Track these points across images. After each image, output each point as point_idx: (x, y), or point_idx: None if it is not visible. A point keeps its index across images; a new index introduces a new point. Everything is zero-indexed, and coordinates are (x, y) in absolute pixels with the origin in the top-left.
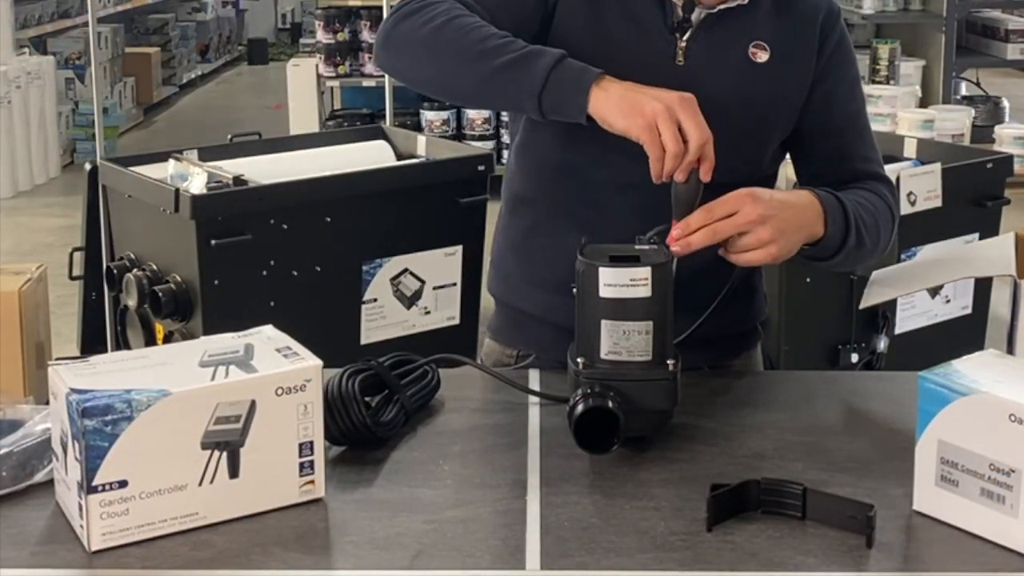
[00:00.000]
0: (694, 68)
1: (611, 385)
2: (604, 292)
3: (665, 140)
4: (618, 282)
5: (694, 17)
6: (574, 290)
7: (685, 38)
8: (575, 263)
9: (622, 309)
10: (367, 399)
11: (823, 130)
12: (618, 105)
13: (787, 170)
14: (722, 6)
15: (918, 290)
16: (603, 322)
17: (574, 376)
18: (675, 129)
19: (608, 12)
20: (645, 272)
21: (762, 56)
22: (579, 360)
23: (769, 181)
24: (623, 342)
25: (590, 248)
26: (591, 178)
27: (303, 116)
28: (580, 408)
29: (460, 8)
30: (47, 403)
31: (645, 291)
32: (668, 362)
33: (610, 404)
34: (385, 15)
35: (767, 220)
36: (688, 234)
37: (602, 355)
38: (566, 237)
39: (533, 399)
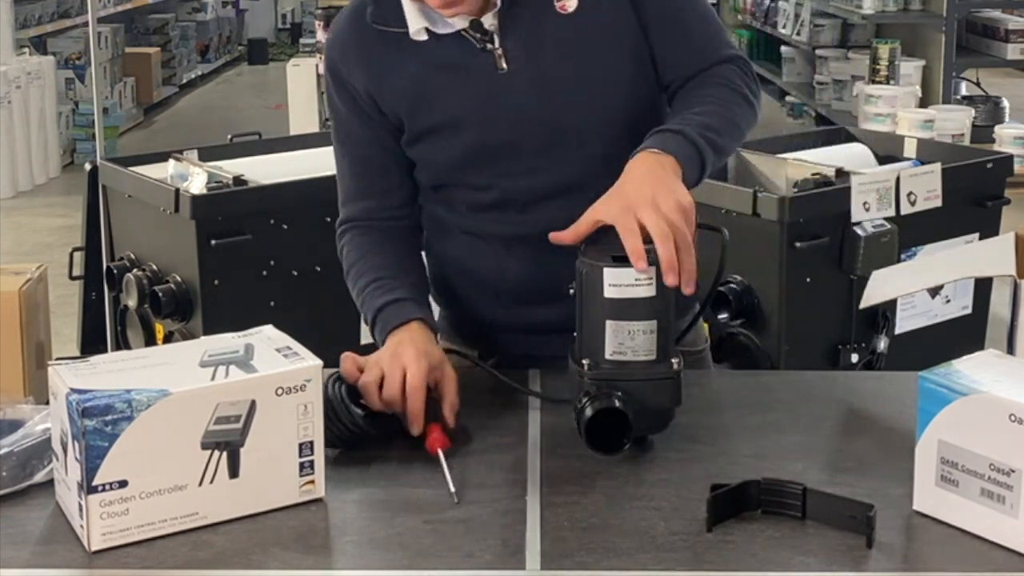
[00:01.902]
0: (518, 65)
1: (617, 385)
2: (609, 292)
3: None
4: (623, 282)
5: (488, 23)
6: (571, 291)
7: (496, 45)
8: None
9: (627, 309)
10: (361, 401)
11: (657, 38)
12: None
13: (787, 170)
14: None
15: (918, 290)
16: (608, 322)
17: (578, 378)
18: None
19: (415, 78)
20: (649, 271)
21: (571, 4)
22: (584, 361)
23: (653, 101)
24: (628, 342)
25: (590, 249)
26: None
27: (303, 116)
28: (589, 410)
29: (354, 245)
30: (47, 403)
31: (649, 290)
32: (672, 360)
33: (618, 404)
34: None
35: (656, 203)
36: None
37: (607, 355)
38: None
39: (533, 399)
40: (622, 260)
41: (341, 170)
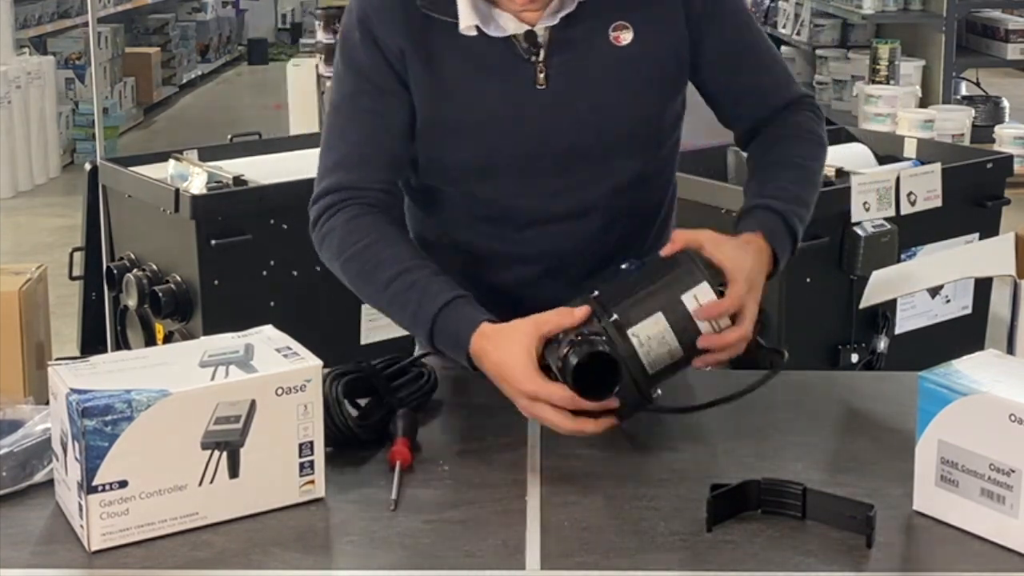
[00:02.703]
0: (558, 84)
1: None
2: (686, 298)
3: (551, 425)
4: (701, 301)
5: (540, 36)
6: (625, 267)
7: (541, 59)
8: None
9: (681, 323)
10: (359, 400)
11: (723, 76)
12: (496, 382)
13: None
14: (562, 13)
15: (918, 290)
16: (658, 315)
17: (594, 317)
18: (551, 415)
19: (450, 69)
20: (727, 322)
21: (626, 37)
22: (612, 312)
23: (675, 130)
24: (652, 341)
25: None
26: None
27: (303, 116)
28: (572, 368)
29: (350, 227)
30: (47, 403)
31: (705, 331)
32: (654, 393)
33: (600, 348)
34: None
35: (755, 298)
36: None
37: (629, 330)
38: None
39: None
40: (720, 288)
41: (338, 132)
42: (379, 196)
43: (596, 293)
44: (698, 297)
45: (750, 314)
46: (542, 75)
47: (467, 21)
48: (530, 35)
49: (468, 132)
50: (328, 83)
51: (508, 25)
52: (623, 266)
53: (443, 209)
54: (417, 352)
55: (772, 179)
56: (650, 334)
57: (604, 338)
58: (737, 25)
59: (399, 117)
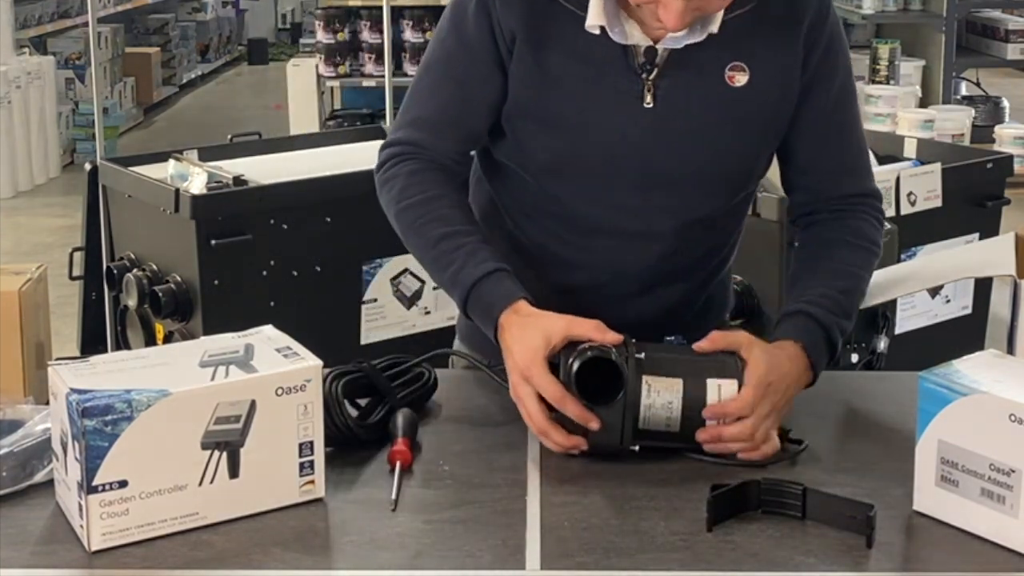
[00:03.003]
0: (664, 108)
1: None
2: (710, 390)
3: (524, 415)
4: (720, 397)
5: (659, 54)
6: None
7: (651, 77)
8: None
9: (694, 402)
10: (358, 400)
11: (806, 142)
12: (504, 355)
13: None
14: (687, 41)
15: (918, 290)
16: (681, 379)
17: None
18: (529, 401)
19: (559, 60)
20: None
21: (740, 79)
22: (639, 350)
23: (760, 177)
24: (660, 397)
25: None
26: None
27: (303, 116)
28: (576, 364)
29: (415, 179)
30: (47, 403)
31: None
32: (633, 446)
33: (612, 357)
34: (385, 16)
35: (774, 409)
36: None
37: (646, 376)
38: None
39: None
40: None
41: (426, 91)
42: (447, 162)
43: (634, 340)
44: (721, 389)
45: (759, 419)
46: (649, 94)
47: (595, 19)
48: (650, 51)
49: (560, 126)
50: (327, 83)
51: (633, 34)
52: (669, 339)
53: (512, 191)
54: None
55: (820, 284)
56: (660, 391)
57: (621, 358)
58: (840, 97)
59: (489, 95)
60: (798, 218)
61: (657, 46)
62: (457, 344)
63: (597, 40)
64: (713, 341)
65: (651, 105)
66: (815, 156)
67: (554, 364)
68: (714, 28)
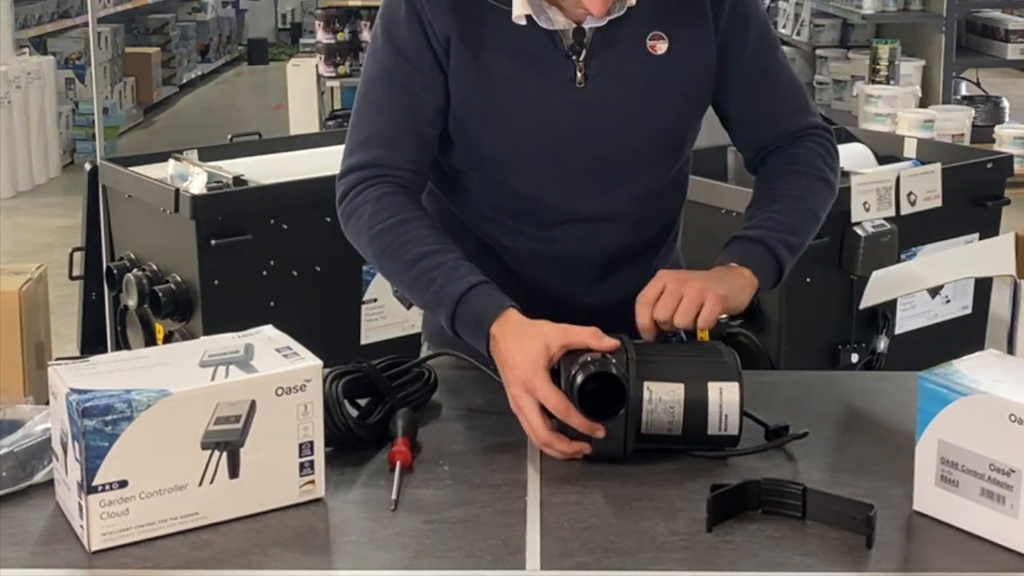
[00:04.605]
0: (596, 85)
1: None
2: (712, 393)
3: (526, 427)
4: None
5: (587, 35)
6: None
7: (582, 58)
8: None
9: (699, 407)
10: (358, 400)
11: (737, 96)
12: (501, 367)
13: None
14: (609, 17)
15: (918, 290)
16: (681, 385)
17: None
18: (531, 413)
19: (494, 56)
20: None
21: (661, 47)
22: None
23: (693, 142)
24: (660, 404)
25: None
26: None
27: (303, 116)
28: (580, 378)
29: (382, 204)
30: (47, 403)
31: (716, 429)
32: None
33: (614, 371)
34: None
35: (699, 285)
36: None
37: (646, 383)
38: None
39: None
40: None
41: (371, 107)
42: (408, 176)
43: (633, 341)
44: (723, 392)
45: (673, 291)
46: (580, 74)
47: (520, 9)
48: (579, 32)
49: (502, 119)
50: (327, 83)
51: (558, 19)
52: (671, 338)
53: (468, 196)
54: (423, 354)
55: (759, 212)
56: (662, 396)
57: (623, 370)
58: (758, 48)
59: (433, 100)
60: (755, 172)
61: (584, 26)
62: (434, 348)
63: (526, 31)
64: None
65: (583, 85)
66: (748, 107)
67: (553, 371)
68: (632, 1)
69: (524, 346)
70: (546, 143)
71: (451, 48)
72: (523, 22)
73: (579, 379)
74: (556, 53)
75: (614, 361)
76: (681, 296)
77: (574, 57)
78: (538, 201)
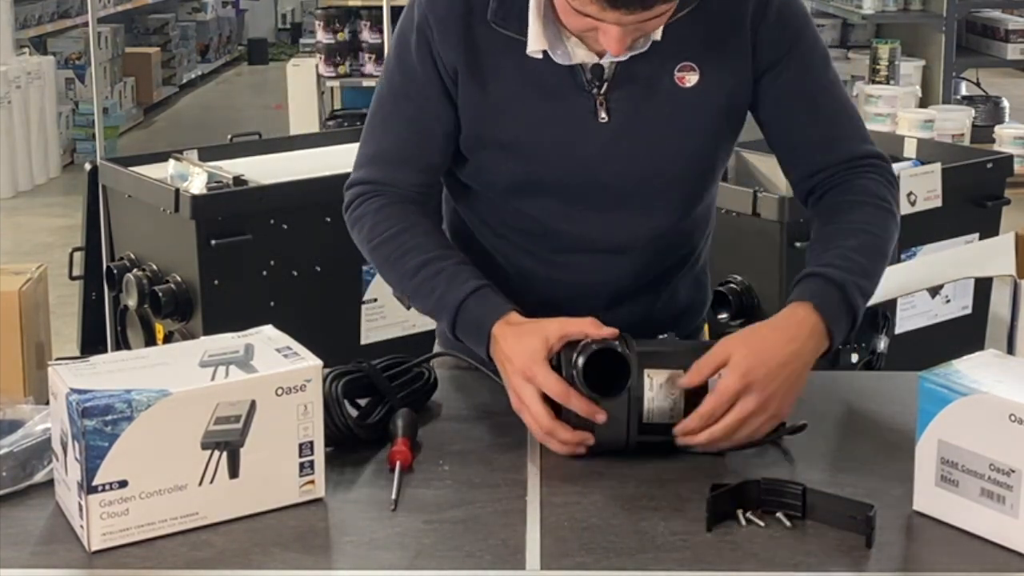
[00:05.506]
0: (619, 120)
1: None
2: (712, 386)
3: (527, 418)
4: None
5: (606, 69)
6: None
7: (602, 92)
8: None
9: (698, 394)
10: (358, 400)
11: (783, 119)
12: (500, 364)
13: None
14: (633, 52)
15: (918, 290)
16: (680, 372)
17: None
18: (532, 401)
19: (507, 88)
20: None
21: (691, 79)
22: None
23: (719, 174)
24: (661, 392)
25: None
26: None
27: (303, 116)
28: (582, 359)
29: (382, 215)
30: (47, 403)
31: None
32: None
33: (618, 348)
34: (385, 16)
35: (766, 400)
36: (691, 433)
37: (647, 370)
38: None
39: None
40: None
41: (379, 125)
42: (411, 195)
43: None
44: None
45: (738, 416)
46: (603, 108)
47: (536, 44)
48: (597, 68)
49: (517, 152)
50: (327, 83)
51: (577, 52)
52: (661, 336)
53: (481, 211)
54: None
55: (832, 248)
56: (663, 383)
57: (625, 348)
58: (806, 66)
59: (441, 127)
60: (807, 201)
61: (602, 62)
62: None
63: (540, 63)
64: (700, 373)
65: (606, 120)
66: (797, 131)
67: (553, 367)
68: (657, 36)
69: (523, 340)
70: (559, 176)
71: (459, 78)
72: (539, 55)
73: (581, 360)
74: (574, 86)
75: (615, 342)
76: (758, 410)
77: (594, 91)
78: (549, 227)
